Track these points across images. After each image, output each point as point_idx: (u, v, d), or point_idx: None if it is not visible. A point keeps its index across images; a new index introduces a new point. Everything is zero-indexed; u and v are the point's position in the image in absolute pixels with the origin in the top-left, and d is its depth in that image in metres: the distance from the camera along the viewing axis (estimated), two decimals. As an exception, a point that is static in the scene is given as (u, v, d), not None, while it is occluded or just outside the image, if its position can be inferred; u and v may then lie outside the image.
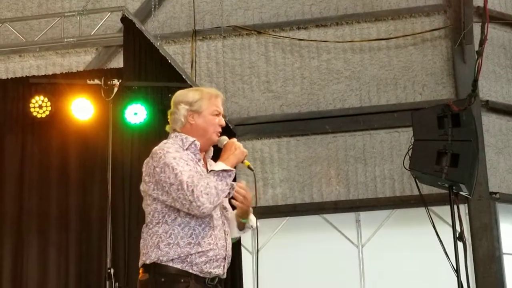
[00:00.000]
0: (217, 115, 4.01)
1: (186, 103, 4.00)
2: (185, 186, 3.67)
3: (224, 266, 3.92)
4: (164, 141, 3.97)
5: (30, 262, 8.45)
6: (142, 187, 3.91)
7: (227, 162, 3.81)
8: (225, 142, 3.98)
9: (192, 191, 3.65)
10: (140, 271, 3.88)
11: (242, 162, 3.93)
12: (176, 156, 3.80)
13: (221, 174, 3.75)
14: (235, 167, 3.88)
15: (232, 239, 4.08)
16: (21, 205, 8.60)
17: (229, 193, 3.83)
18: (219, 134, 4.02)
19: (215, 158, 4.01)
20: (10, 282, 8.43)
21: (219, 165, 3.79)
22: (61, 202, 8.59)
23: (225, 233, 3.94)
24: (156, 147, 3.90)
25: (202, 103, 3.99)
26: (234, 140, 3.97)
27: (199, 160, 3.94)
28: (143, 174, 3.90)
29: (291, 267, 8.92)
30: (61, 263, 8.46)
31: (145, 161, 3.90)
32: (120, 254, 8.11)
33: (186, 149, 3.92)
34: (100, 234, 8.27)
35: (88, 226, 8.50)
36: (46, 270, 8.44)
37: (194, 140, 3.95)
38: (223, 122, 4.04)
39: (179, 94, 4.07)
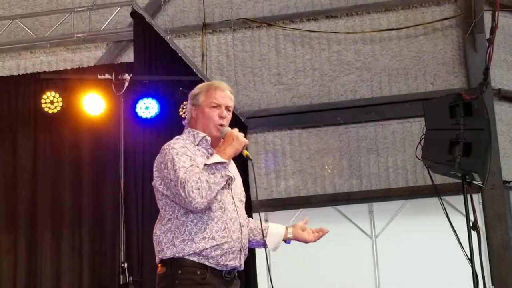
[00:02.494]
0: (215, 107, 3.97)
1: (190, 98, 4.05)
2: (179, 183, 3.68)
3: (240, 258, 3.92)
4: (177, 136, 3.99)
5: (44, 257, 8.48)
6: (153, 182, 3.93)
7: (222, 154, 3.79)
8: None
9: (184, 187, 3.67)
10: (159, 265, 3.90)
11: (241, 152, 3.90)
12: (180, 152, 3.80)
13: (213, 167, 3.75)
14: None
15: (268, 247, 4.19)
16: (34, 200, 8.64)
17: (226, 184, 3.83)
18: (219, 127, 3.97)
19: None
20: (24, 277, 8.47)
21: (214, 158, 3.78)
22: (74, 197, 8.62)
23: (240, 225, 3.93)
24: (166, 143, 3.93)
25: (200, 96, 4.00)
26: (235, 130, 3.93)
27: (211, 154, 3.90)
28: (154, 170, 3.93)
29: (305, 259, 8.90)
30: (74, 258, 8.49)
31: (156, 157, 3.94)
32: (133, 248, 8.14)
33: (197, 144, 3.92)
34: (113, 228, 8.28)
35: (101, 220, 8.53)
36: (60, 265, 8.48)
37: (205, 136, 3.95)
38: (223, 114, 3.99)
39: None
